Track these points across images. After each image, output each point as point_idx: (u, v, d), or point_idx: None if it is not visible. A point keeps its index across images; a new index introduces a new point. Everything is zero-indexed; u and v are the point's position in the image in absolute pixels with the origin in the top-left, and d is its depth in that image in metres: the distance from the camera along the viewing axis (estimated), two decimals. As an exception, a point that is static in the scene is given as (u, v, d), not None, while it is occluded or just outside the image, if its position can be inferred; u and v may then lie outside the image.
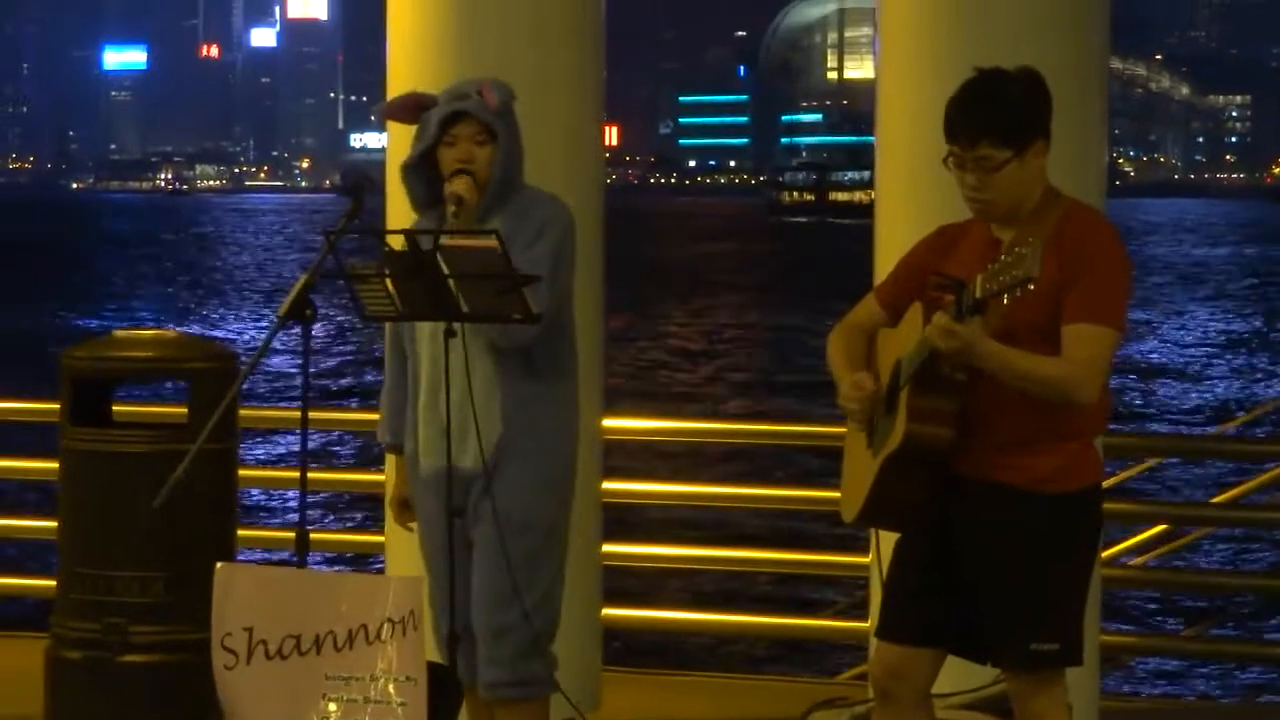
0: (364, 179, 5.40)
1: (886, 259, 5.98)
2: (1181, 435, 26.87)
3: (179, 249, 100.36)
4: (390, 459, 6.02)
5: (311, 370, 5.72)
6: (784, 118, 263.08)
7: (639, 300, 53.04)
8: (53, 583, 6.46)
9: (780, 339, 46.82)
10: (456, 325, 5.26)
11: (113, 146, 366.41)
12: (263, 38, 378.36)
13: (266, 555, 9.90)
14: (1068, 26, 6.62)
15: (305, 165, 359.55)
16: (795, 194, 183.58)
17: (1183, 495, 21.83)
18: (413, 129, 5.58)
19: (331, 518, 19.43)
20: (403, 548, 6.19)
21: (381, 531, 7.39)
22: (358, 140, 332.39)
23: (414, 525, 5.71)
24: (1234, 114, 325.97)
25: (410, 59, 7.00)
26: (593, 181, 7.12)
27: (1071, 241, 4.60)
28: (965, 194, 4.68)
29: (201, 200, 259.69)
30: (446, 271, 5.14)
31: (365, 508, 18.18)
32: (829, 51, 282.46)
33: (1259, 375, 40.85)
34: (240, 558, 6.52)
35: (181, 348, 6.43)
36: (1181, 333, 50.56)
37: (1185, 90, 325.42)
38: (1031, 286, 4.28)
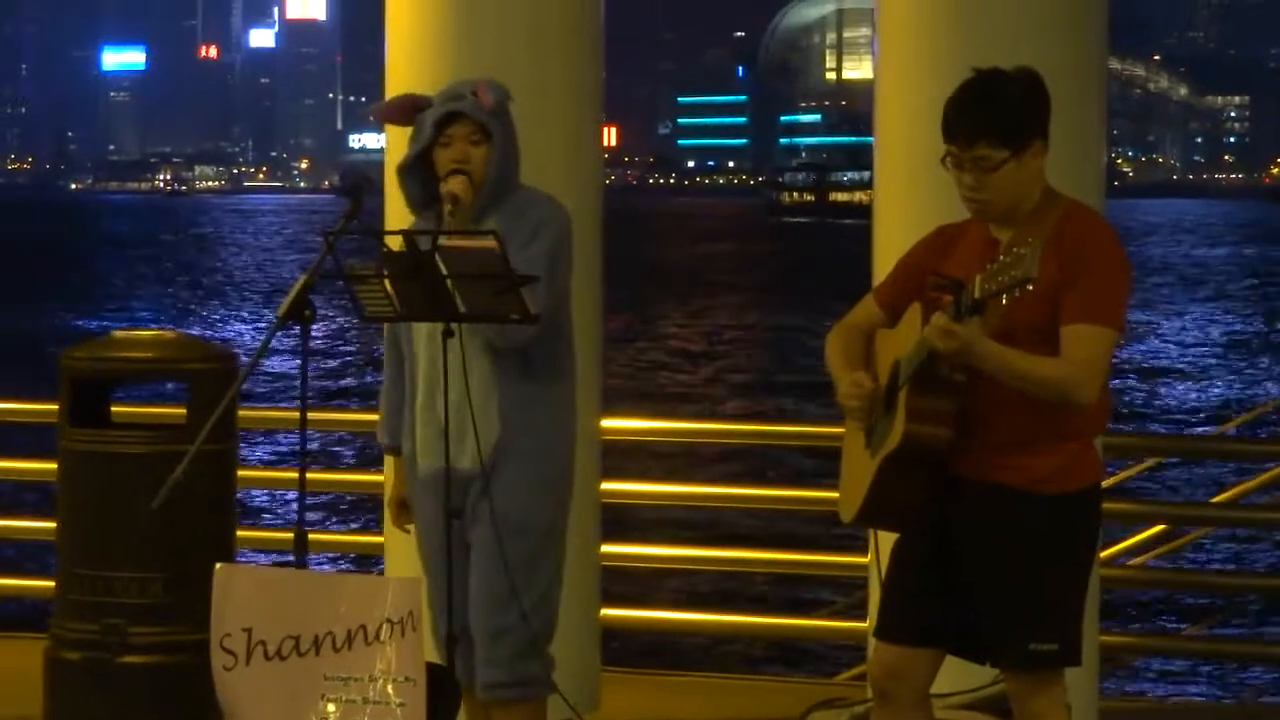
0: (363, 180, 5.40)
1: (885, 259, 5.98)
2: (1181, 435, 26.89)
3: (178, 250, 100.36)
4: (389, 460, 6.02)
5: (311, 371, 5.72)
6: (783, 118, 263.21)
7: (638, 301, 53.05)
8: (52, 584, 6.46)
9: (780, 339, 46.82)
10: (454, 326, 5.26)
11: (111, 147, 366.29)
12: (261, 38, 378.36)
13: (266, 556, 9.90)
14: (1066, 27, 6.62)
15: (304, 166, 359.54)
16: (795, 194, 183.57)
17: (1182, 495, 21.82)
18: (411, 130, 5.58)
19: (334, 519, 19.44)
20: (402, 549, 6.19)
21: (381, 533, 7.39)
22: (356, 141, 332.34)
23: (412, 527, 5.71)
24: (1232, 114, 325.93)
25: (409, 60, 7.01)
26: (591, 182, 7.12)
27: (1070, 242, 4.60)
28: (963, 194, 4.68)
29: (200, 201, 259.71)
30: (445, 272, 5.14)
31: (367, 509, 18.18)
32: (828, 52, 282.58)
33: (1259, 376, 40.85)
34: (239, 559, 6.52)
35: (180, 348, 6.42)
36: (1182, 333, 50.56)
37: (1184, 91, 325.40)
38: (1030, 287, 4.28)
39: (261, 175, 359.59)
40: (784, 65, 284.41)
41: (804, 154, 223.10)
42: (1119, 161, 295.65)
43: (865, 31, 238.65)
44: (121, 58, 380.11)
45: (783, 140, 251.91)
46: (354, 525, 18.53)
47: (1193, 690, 13.32)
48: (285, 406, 24.02)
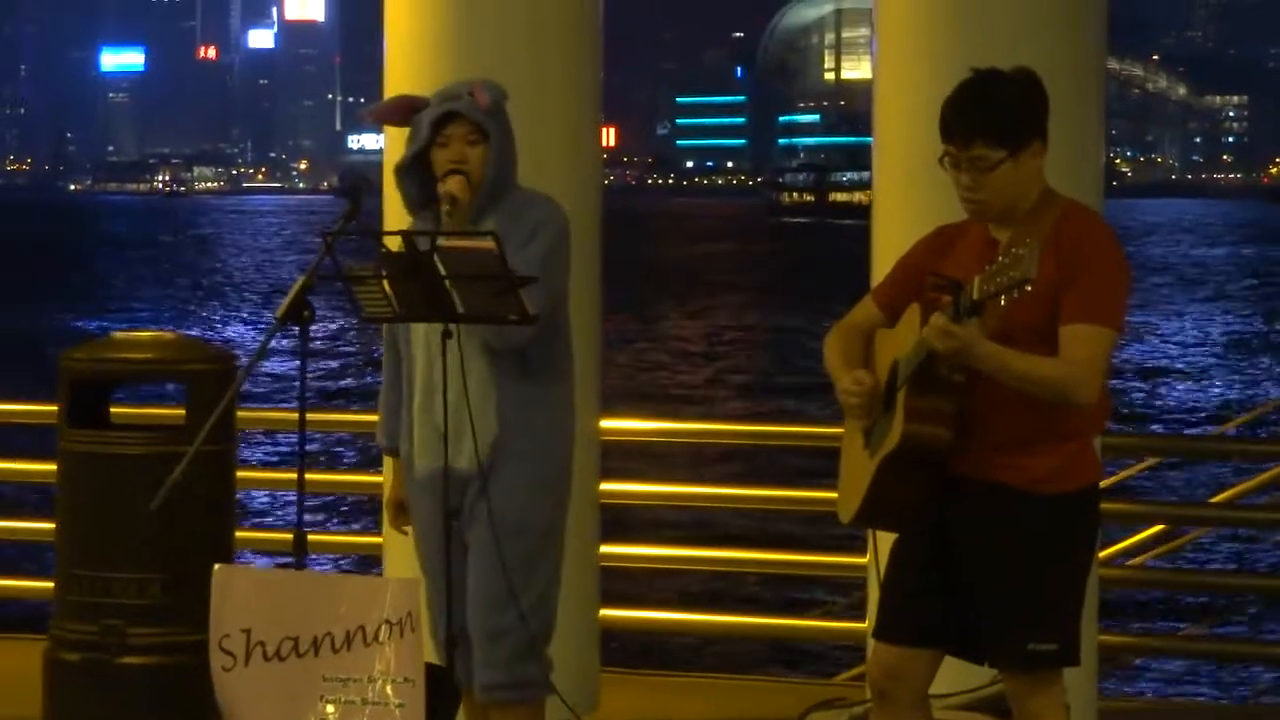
0: (361, 180, 5.40)
1: (884, 260, 5.98)
2: (1181, 435, 26.89)
3: (177, 251, 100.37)
4: (388, 461, 6.01)
5: (311, 371, 5.72)
6: (781, 118, 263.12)
7: (637, 301, 53.04)
8: (51, 584, 6.46)
9: (780, 340, 46.82)
10: (453, 326, 5.26)
11: (110, 148, 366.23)
12: (260, 39, 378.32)
13: (265, 558, 9.90)
14: (1064, 27, 6.62)
15: (303, 167, 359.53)
16: (795, 195, 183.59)
17: (1182, 495, 21.82)
18: (408, 131, 5.58)
19: (335, 520, 19.43)
20: (401, 550, 6.19)
21: (381, 534, 7.38)
22: (355, 141, 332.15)
23: (409, 528, 5.70)
24: (1231, 114, 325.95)
25: (408, 60, 7.01)
26: (590, 182, 7.11)
27: (1069, 242, 4.60)
28: (960, 194, 4.68)
29: (199, 202, 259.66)
30: (443, 273, 5.14)
31: (369, 510, 18.17)
32: (826, 52, 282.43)
33: (1259, 376, 40.85)
34: (238, 560, 6.52)
35: (179, 349, 6.42)
36: (1181, 333, 50.56)
37: (1182, 90, 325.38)
38: (1029, 288, 4.28)
39: (260, 176, 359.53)
40: (783, 65, 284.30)
41: (802, 154, 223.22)
42: (1117, 161, 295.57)
43: (864, 32, 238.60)
44: (120, 58, 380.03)
45: (781, 141, 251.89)
46: (355, 526, 18.53)
47: (1192, 690, 13.31)
48: (284, 407, 24.03)
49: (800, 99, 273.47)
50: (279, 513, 20.17)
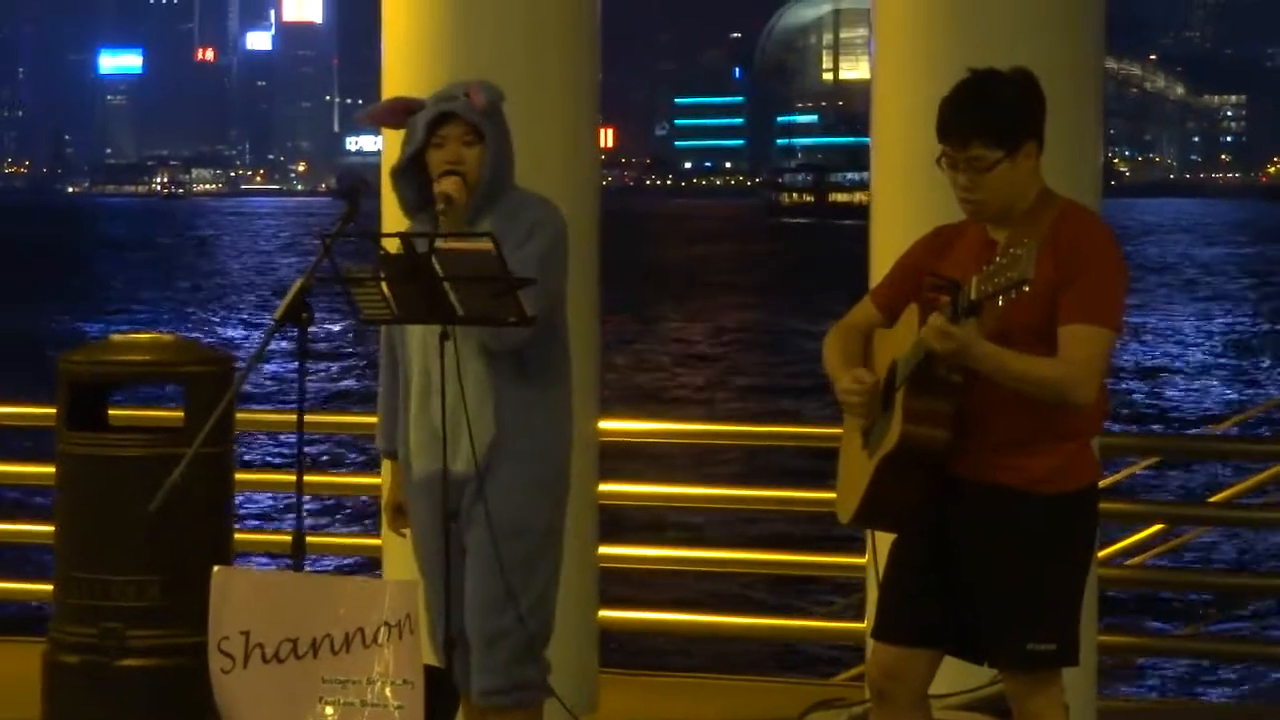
0: (359, 182, 5.39)
1: (882, 260, 5.98)
2: (1181, 435, 26.86)
3: (176, 252, 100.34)
4: (386, 464, 6.00)
5: (312, 373, 5.71)
6: (780, 119, 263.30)
7: (636, 302, 53.02)
8: (50, 587, 6.46)
9: (779, 340, 46.81)
10: (450, 329, 5.25)
11: (108, 150, 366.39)
12: (258, 41, 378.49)
13: (265, 560, 9.89)
14: (1062, 27, 6.62)
15: (301, 168, 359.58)
16: (795, 195, 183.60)
17: (1181, 495, 21.82)
18: (404, 133, 5.58)
19: (336, 522, 19.43)
20: (400, 552, 6.18)
21: (379, 536, 7.38)
22: (353, 143, 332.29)
23: (407, 531, 5.70)
24: (1229, 114, 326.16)
25: (405, 61, 7.00)
26: (588, 183, 7.11)
27: (1067, 242, 4.60)
28: (957, 194, 4.68)
29: (197, 204, 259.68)
30: (441, 274, 5.13)
31: (368, 512, 18.17)
32: (824, 53, 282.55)
33: (1259, 376, 40.85)
34: (237, 562, 6.51)
35: (177, 351, 6.42)
36: (1181, 333, 50.55)
37: (1180, 90, 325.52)
38: (1026, 288, 4.28)
39: (258, 178, 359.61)
40: (781, 66, 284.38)
41: (800, 155, 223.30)
42: (1116, 161, 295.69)
43: (862, 32, 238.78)
44: (118, 61, 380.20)
45: (780, 141, 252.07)
46: (355, 529, 18.52)
47: (1192, 690, 13.31)
48: (283, 409, 24.03)
49: (798, 99, 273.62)
50: (279, 515, 20.18)
